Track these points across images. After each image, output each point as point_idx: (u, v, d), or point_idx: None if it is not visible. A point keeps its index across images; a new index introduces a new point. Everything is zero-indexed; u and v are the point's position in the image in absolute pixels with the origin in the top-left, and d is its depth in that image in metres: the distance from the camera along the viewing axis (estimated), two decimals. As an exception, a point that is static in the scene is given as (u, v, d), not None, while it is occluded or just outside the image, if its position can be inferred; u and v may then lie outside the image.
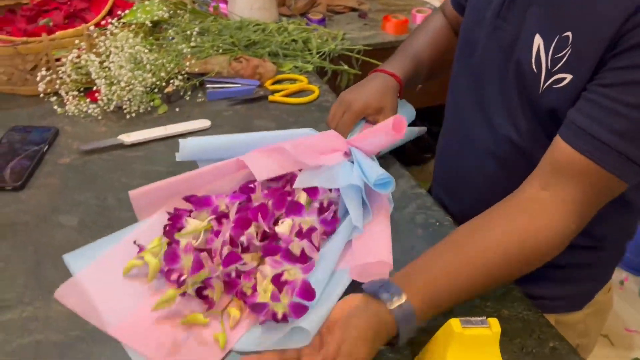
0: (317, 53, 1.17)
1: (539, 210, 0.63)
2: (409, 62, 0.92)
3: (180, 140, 0.77)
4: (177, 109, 1.00)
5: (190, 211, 0.72)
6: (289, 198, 0.72)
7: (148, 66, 0.96)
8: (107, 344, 0.59)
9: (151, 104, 0.99)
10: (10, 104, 0.99)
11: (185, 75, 1.03)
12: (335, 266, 0.67)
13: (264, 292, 0.62)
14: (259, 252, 0.67)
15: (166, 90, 1.00)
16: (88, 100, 0.96)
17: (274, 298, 0.60)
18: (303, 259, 0.65)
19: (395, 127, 0.72)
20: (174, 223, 0.70)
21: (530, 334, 0.63)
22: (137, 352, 0.59)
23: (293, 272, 0.63)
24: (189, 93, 1.03)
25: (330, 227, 0.70)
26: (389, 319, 0.57)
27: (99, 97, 0.95)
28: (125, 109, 0.96)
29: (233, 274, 0.65)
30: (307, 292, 0.61)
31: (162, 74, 0.99)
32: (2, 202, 0.77)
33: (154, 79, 0.97)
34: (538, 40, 0.68)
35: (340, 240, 0.69)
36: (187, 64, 1.01)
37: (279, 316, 0.60)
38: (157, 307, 0.61)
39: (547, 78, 0.68)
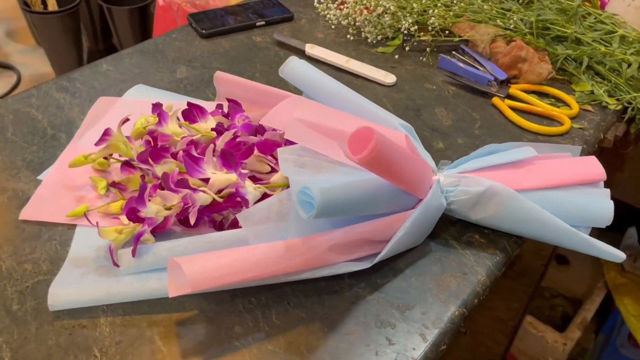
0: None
1: None
2: None
3: (292, 56, 0.67)
4: (396, 56, 0.84)
5: (224, 113, 0.64)
6: (259, 155, 0.55)
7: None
8: (43, 151, 0.63)
9: (379, 37, 0.87)
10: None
11: (443, 31, 0.84)
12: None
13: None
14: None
15: (424, 37, 0.85)
16: (335, 6, 0.91)
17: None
18: (183, 212, 0.51)
19: (351, 143, 0.42)
20: (193, 110, 0.63)
21: None
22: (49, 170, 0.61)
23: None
24: (428, 50, 0.85)
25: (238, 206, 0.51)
26: None
27: (343, 7, 0.89)
28: (352, 29, 0.88)
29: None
30: (135, 245, 0.49)
31: (402, 14, 0.84)
32: (185, 37, 0.86)
33: (407, 21, 0.83)
34: None
35: (230, 239, 0.49)
36: (432, 12, 0.82)
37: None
38: (69, 165, 0.59)
39: None
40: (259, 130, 0.60)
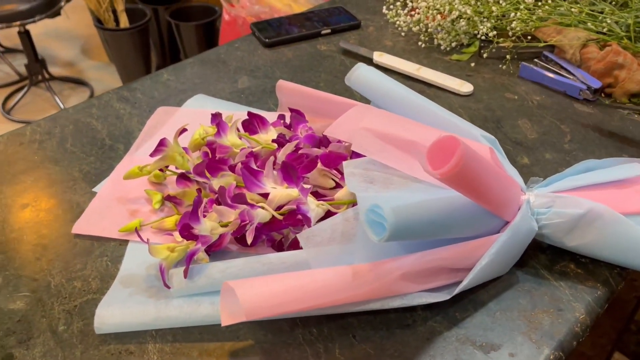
0: None
1: None
2: None
3: (359, 63, 0.62)
4: (472, 64, 0.78)
5: (286, 124, 0.60)
6: (322, 169, 0.50)
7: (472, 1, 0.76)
8: (100, 162, 0.61)
9: (453, 44, 0.80)
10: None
11: (525, 36, 0.77)
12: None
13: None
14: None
15: (504, 43, 0.78)
16: (405, 12, 0.85)
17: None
18: (239, 230, 0.46)
19: (431, 155, 0.36)
20: (253, 121, 0.60)
21: None
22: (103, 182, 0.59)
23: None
24: (507, 57, 0.77)
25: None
26: None
27: (414, 14, 0.84)
28: (424, 35, 0.82)
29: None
30: (187, 266, 0.45)
31: (479, 19, 0.77)
32: (247, 47, 0.83)
33: (485, 26, 0.77)
34: None
35: (289, 261, 0.44)
36: (514, 16, 0.74)
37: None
38: (124, 177, 0.56)
39: None
40: (323, 142, 0.55)
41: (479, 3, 0.78)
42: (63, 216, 0.55)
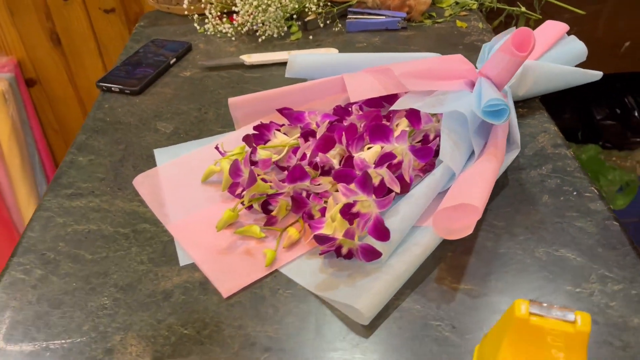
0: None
1: None
2: None
3: (289, 55, 0.70)
4: (310, 37, 0.93)
5: (282, 125, 0.65)
6: (385, 122, 0.61)
7: (285, -13, 0.91)
8: (148, 246, 0.55)
9: (286, 29, 0.94)
10: (163, 21, 1.02)
11: (328, 3, 0.96)
12: (420, 221, 0.54)
13: (332, 220, 0.52)
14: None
15: (307, 18, 0.94)
16: (225, 20, 0.94)
17: (347, 234, 0.50)
18: (380, 190, 0.53)
19: (516, 43, 0.55)
20: (261, 134, 0.63)
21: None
22: (185, 252, 0.54)
23: (367, 204, 0.52)
24: (328, 22, 0.95)
25: (425, 159, 0.56)
26: None
27: (235, 18, 0.93)
28: (258, 32, 0.93)
29: (304, 194, 0.57)
30: (381, 231, 0.50)
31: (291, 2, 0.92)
32: (119, 103, 0.79)
33: (292, 4, 0.91)
34: None
35: (433, 185, 0.55)
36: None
37: (344, 251, 0.51)
38: (219, 228, 0.55)
39: None
40: (338, 112, 0.64)
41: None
42: (195, 301, 0.50)
